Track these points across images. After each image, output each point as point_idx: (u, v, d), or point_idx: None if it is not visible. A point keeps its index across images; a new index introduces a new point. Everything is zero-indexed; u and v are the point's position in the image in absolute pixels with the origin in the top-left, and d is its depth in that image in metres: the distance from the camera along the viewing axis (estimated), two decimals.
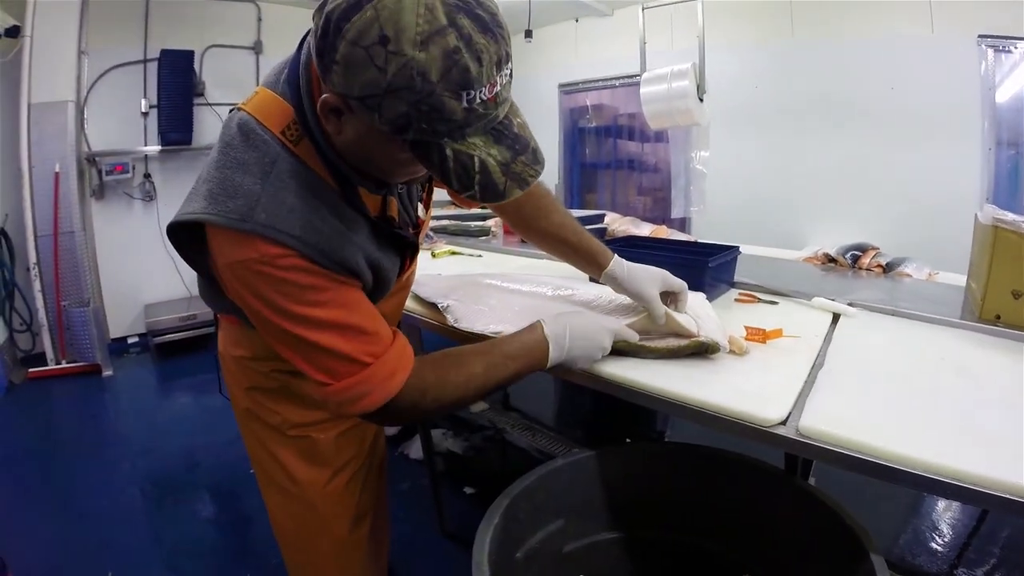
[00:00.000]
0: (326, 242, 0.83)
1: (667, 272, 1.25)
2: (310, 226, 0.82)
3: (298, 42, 0.86)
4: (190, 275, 1.25)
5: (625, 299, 1.33)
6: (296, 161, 0.83)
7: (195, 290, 1.21)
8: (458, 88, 0.66)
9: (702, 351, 1.14)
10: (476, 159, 0.72)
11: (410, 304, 1.57)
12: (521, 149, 0.76)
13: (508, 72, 0.72)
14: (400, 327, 1.13)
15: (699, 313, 1.22)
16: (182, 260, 0.97)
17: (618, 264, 1.28)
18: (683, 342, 1.14)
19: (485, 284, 1.58)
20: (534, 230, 1.34)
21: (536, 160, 0.79)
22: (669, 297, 1.26)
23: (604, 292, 1.40)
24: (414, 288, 1.59)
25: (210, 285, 1.05)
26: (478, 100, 0.68)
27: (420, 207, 1.10)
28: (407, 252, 1.05)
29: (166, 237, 0.91)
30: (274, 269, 0.80)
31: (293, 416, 1.20)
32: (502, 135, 0.75)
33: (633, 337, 1.15)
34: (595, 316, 1.16)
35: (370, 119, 0.70)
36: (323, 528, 1.27)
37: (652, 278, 1.24)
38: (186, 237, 0.88)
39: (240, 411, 1.26)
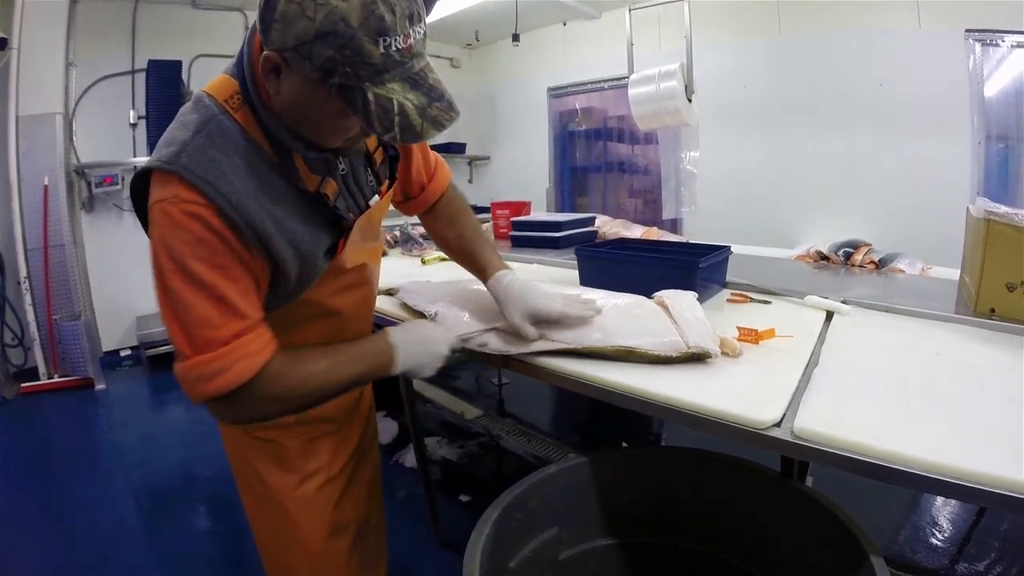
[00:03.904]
0: (236, 196, 0.87)
1: (541, 304, 1.20)
2: (224, 178, 0.87)
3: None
4: None
5: (622, 300, 1.32)
6: (233, 124, 0.91)
7: None
8: (375, 34, 0.76)
9: (693, 359, 1.13)
10: (395, 102, 0.80)
11: (400, 312, 1.57)
12: (436, 97, 0.84)
13: (421, 30, 0.81)
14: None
15: (688, 317, 1.20)
16: None
17: (495, 282, 1.28)
18: (672, 352, 1.12)
19: (474, 289, 1.57)
20: (440, 237, 1.43)
21: (451, 108, 0.86)
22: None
23: (596, 295, 1.39)
24: (402, 295, 1.59)
25: None
26: (394, 47, 0.78)
27: (377, 197, 1.14)
28: (343, 234, 1.07)
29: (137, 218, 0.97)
30: (180, 213, 0.84)
31: None
32: (418, 83, 0.83)
33: (457, 344, 1.18)
34: (437, 328, 1.18)
35: (303, 68, 0.79)
36: (296, 534, 1.26)
37: (520, 310, 1.21)
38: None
39: None
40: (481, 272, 1.33)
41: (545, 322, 1.21)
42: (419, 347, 1.10)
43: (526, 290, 1.23)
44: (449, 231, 1.40)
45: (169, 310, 0.90)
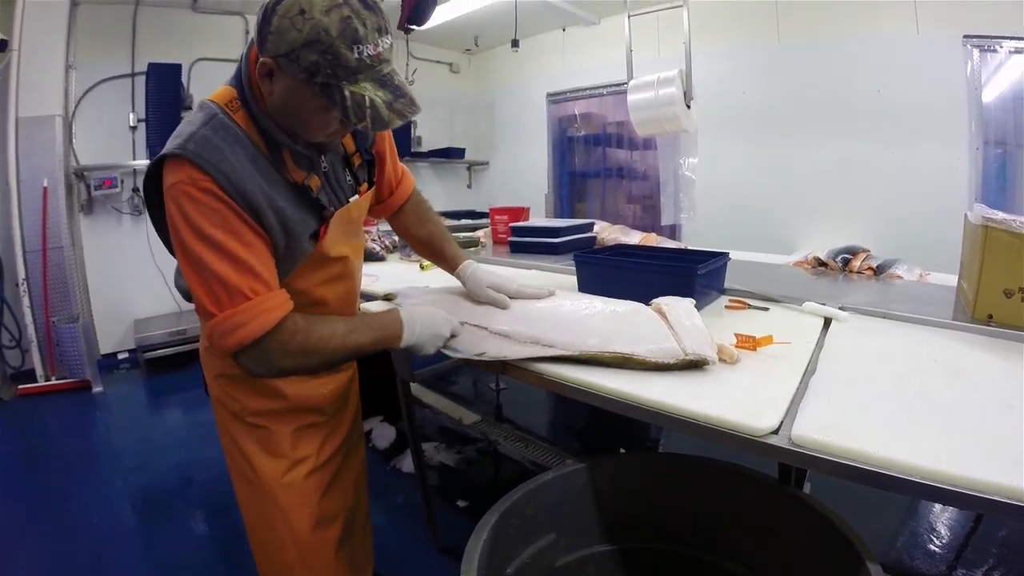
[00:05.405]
0: (236, 175, 1.04)
1: (500, 282, 1.47)
2: (226, 161, 1.04)
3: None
4: None
5: (620, 307, 1.35)
6: (232, 122, 1.08)
7: (185, 304, 1.31)
8: (351, 42, 0.94)
9: (690, 366, 1.13)
10: (367, 98, 0.98)
11: None
12: (401, 95, 1.02)
13: (388, 41, 1.01)
14: None
15: (685, 324, 1.20)
16: (170, 274, 1.14)
17: (463, 269, 1.54)
18: (670, 359, 1.12)
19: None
20: (412, 236, 1.62)
21: (412, 103, 1.03)
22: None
23: (594, 301, 1.41)
24: (400, 300, 1.61)
25: None
26: (366, 54, 0.96)
27: (357, 196, 1.32)
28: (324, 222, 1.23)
29: (144, 206, 1.14)
30: (195, 190, 1.01)
31: (251, 403, 1.32)
32: (386, 83, 1.01)
33: (458, 331, 1.30)
34: (439, 311, 1.31)
35: (292, 71, 0.97)
36: (284, 521, 1.34)
37: (485, 286, 1.47)
38: (159, 212, 1.09)
39: (213, 401, 1.40)
40: (450, 263, 1.58)
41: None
42: (424, 327, 1.23)
43: (489, 271, 1.51)
44: (419, 229, 1.60)
45: (194, 275, 1.04)
